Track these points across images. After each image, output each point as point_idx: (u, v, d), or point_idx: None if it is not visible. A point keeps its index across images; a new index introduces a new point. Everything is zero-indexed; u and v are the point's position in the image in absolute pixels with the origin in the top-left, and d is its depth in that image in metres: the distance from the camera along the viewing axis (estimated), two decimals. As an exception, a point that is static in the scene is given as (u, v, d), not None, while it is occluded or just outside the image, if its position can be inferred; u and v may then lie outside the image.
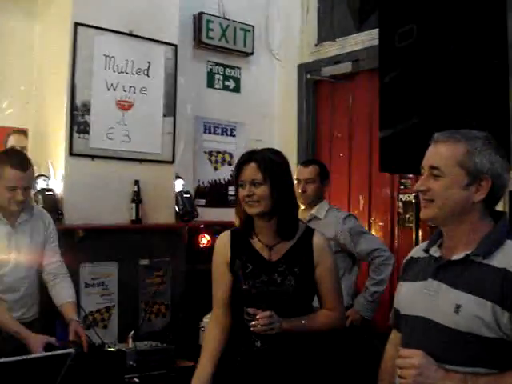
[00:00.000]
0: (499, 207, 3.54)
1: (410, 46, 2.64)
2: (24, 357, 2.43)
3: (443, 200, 1.76)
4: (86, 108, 3.97)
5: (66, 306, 3.14)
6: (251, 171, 2.31)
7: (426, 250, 1.89)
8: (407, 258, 2.03)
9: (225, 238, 2.48)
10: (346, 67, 4.72)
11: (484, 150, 1.75)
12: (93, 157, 4.00)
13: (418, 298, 1.83)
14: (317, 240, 2.37)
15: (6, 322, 2.95)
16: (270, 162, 2.32)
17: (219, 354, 2.40)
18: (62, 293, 3.20)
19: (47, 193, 3.82)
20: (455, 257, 1.77)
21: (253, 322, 2.21)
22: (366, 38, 4.52)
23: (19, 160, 3.00)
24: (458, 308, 1.69)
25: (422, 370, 1.66)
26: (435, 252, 1.85)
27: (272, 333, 2.22)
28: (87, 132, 3.97)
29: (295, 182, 3.64)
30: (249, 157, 2.35)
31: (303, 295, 2.36)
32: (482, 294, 1.66)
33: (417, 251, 1.99)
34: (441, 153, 1.78)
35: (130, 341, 3.19)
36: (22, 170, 2.95)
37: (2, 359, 2.29)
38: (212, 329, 2.47)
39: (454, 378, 1.66)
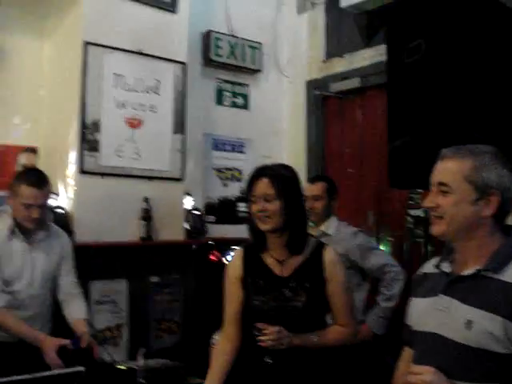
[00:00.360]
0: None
1: (418, 62, 2.64)
2: (35, 375, 2.42)
3: (452, 216, 1.76)
4: (96, 126, 3.99)
5: (78, 322, 3.16)
6: (263, 186, 2.31)
7: (437, 266, 1.89)
8: (419, 273, 2.02)
9: (238, 254, 2.49)
10: (353, 83, 4.73)
11: (491, 165, 1.75)
12: (102, 174, 4.02)
13: (430, 314, 1.82)
14: (328, 255, 2.35)
15: (19, 328, 2.97)
16: (282, 177, 2.33)
17: (227, 371, 2.40)
18: (75, 310, 3.22)
19: (57, 210, 3.83)
20: (466, 272, 1.77)
21: (261, 337, 2.21)
22: (374, 54, 4.53)
23: (36, 178, 3.04)
24: (469, 324, 1.69)
25: (435, 383, 1.65)
26: (446, 268, 1.85)
27: (281, 348, 2.21)
28: (97, 150, 3.99)
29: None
30: (261, 172, 2.35)
31: (314, 310, 2.35)
32: (493, 310, 1.66)
33: (428, 267, 1.99)
34: (448, 169, 1.78)
35: (141, 358, 3.17)
36: (38, 187, 2.99)
37: (12, 377, 2.28)
38: (222, 345, 2.48)
39: None
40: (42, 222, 3.10)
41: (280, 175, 2.33)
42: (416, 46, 2.62)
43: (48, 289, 3.18)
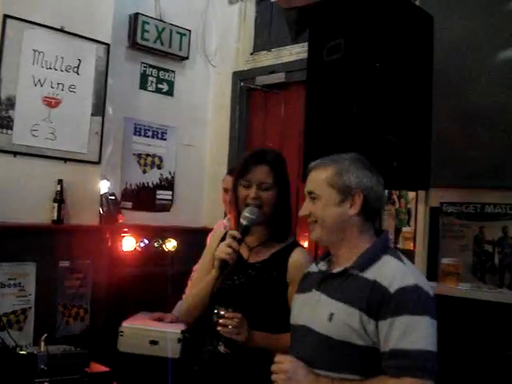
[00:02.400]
0: (421, 222, 3.66)
1: (337, 61, 2.66)
2: None
3: (322, 219, 1.92)
4: (11, 102, 3.85)
5: None
6: (262, 173, 2.20)
7: (316, 265, 2.04)
8: (304, 272, 2.14)
9: (220, 233, 2.43)
10: (279, 77, 4.76)
11: (351, 168, 1.93)
12: (15, 153, 3.88)
13: (303, 308, 1.97)
14: (294, 259, 2.24)
15: None
16: (281, 165, 2.26)
17: None
18: None
19: (-36, 188, 3.68)
20: (335, 270, 1.92)
21: (221, 320, 2.10)
22: (301, 50, 4.57)
23: None
24: (331, 316, 1.82)
25: (291, 374, 1.79)
26: (322, 266, 2.01)
27: (237, 339, 2.11)
28: (10, 127, 3.85)
29: (223, 191, 3.64)
30: (261, 157, 2.23)
31: (266, 303, 2.23)
32: (351, 303, 1.79)
33: (312, 266, 2.11)
34: (314, 178, 1.97)
35: (43, 344, 3.10)
36: None
37: None
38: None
39: (321, 382, 1.78)
40: None
41: (280, 163, 2.26)
42: (336, 45, 2.65)
43: None
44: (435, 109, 2.97)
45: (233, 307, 2.14)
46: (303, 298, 2.00)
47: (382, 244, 1.94)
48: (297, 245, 2.33)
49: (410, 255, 3.81)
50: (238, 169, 2.27)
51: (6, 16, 3.82)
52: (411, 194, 3.76)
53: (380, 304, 1.75)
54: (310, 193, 1.97)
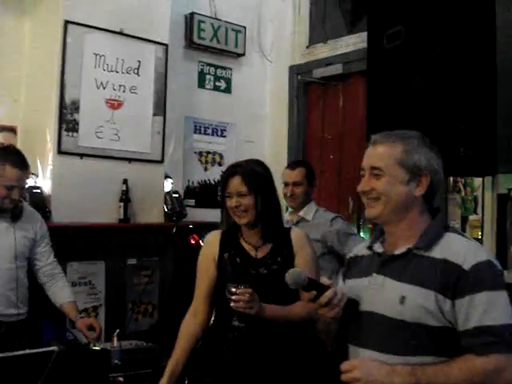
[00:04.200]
0: (488, 210, 3.58)
1: (398, 47, 2.63)
2: (6, 354, 2.41)
3: (388, 195, 1.84)
4: (76, 106, 3.96)
5: (67, 305, 3.18)
6: (236, 184, 2.41)
7: (370, 247, 1.97)
8: (350, 255, 2.11)
9: (214, 235, 2.56)
10: (336, 69, 4.73)
11: (420, 149, 1.85)
12: (81, 155, 3.99)
13: (364, 293, 1.90)
14: (294, 233, 2.50)
15: None
16: (253, 173, 2.44)
17: (190, 351, 2.46)
18: (61, 293, 3.22)
19: (35, 190, 3.80)
20: (398, 251, 1.85)
21: (233, 297, 2.22)
22: (357, 41, 4.52)
23: (20, 159, 3.01)
24: (402, 299, 1.77)
25: (365, 379, 1.71)
26: (378, 248, 1.93)
27: (251, 312, 2.24)
28: (76, 130, 3.96)
29: (282, 185, 3.64)
30: (234, 170, 2.46)
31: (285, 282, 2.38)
32: (425, 285, 1.74)
33: (360, 249, 2.06)
34: (380, 153, 1.87)
35: (115, 340, 3.17)
36: (21, 169, 2.98)
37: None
38: (188, 321, 2.53)
39: (402, 372, 1.70)
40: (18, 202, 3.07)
41: (251, 172, 2.44)
42: (396, 32, 2.62)
43: (20, 268, 3.13)
44: (501, 93, 2.89)
45: (243, 283, 2.25)
46: (361, 284, 1.93)
47: (441, 221, 1.89)
48: (289, 228, 2.58)
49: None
50: (221, 185, 2.53)
51: (66, 22, 3.93)
52: (477, 181, 3.68)
53: (455, 282, 1.71)
54: (373, 168, 1.86)
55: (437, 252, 1.78)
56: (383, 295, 1.83)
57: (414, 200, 1.85)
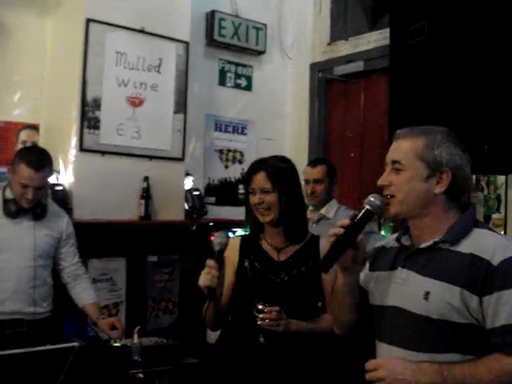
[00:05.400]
0: (511, 209, 3.53)
1: (421, 43, 2.60)
2: (28, 349, 2.42)
3: (404, 193, 1.79)
4: (97, 104, 3.98)
5: (90, 306, 3.21)
6: (261, 180, 2.38)
7: (398, 239, 1.93)
8: (376, 247, 2.05)
9: (234, 241, 2.53)
10: (358, 66, 4.70)
11: (443, 144, 1.79)
12: (103, 153, 4.01)
13: (389, 287, 1.86)
14: (324, 243, 2.38)
15: None
16: (278, 170, 2.39)
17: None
18: (84, 294, 3.25)
19: (57, 187, 3.83)
20: (423, 245, 1.80)
21: (260, 315, 2.22)
22: (379, 37, 4.49)
23: (36, 159, 2.99)
24: (427, 295, 1.72)
25: (390, 377, 1.68)
26: (406, 241, 1.89)
27: (278, 330, 2.23)
28: (97, 128, 3.98)
29: (303, 182, 3.62)
30: (258, 166, 2.42)
31: (308, 295, 2.38)
32: (450, 280, 1.69)
33: (390, 241, 2.01)
34: (401, 147, 1.83)
35: (136, 336, 3.17)
36: (36, 169, 2.96)
37: (6, 351, 2.29)
38: None
39: (428, 371, 1.67)
40: (37, 202, 3.07)
41: (276, 168, 2.39)
42: (419, 27, 2.59)
43: (42, 267, 3.15)
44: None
45: (269, 301, 2.24)
46: (385, 277, 1.89)
47: (472, 217, 1.82)
48: (317, 235, 2.48)
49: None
50: (245, 181, 2.50)
51: (88, 20, 3.95)
52: (500, 179, 3.63)
53: (483, 278, 1.65)
54: (394, 162, 1.83)
55: (464, 246, 1.72)
56: (408, 290, 1.79)
57: (435, 197, 1.79)
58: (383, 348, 1.84)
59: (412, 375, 1.66)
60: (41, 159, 3.03)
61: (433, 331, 1.71)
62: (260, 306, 2.23)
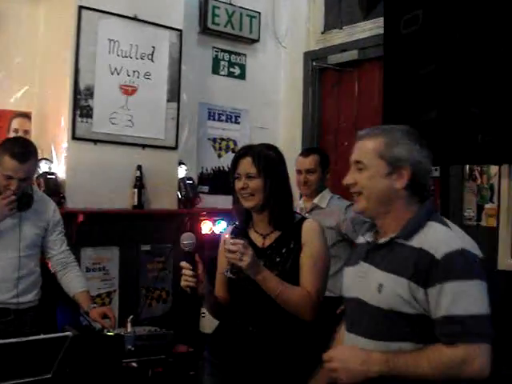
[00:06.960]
0: (504, 198, 3.54)
1: (415, 33, 2.59)
2: (21, 339, 2.43)
3: (369, 190, 1.89)
4: (90, 92, 3.95)
5: (80, 295, 3.15)
6: (246, 165, 2.37)
7: (363, 236, 2.04)
8: (356, 243, 2.16)
9: (227, 230, 2.56)
10: (352, 55, 4.69)
11: (402, 141, 1.87)
12: (95, 141, 3.99)
13: (354, 280, 1.98)
14: (307, 225, 2.39)
15: None
16: (264, 156, 2.39)
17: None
18: (74, 283, 3.19)
19: (49, 176, 3.81)
20: (381, 240, 1.91)
21: (226, 246, 2.18)
22: (373, 26, 4.48)
23: (20, 150, 2.93)
24: (380, 287, 1.82)
25: (341, 367, 1.79)
26: (368, 237, 1.99)
27: (242, 265, 2.17)
28: (90, 116, 3.95)
29: (296, 172, 3.62)
30: (245, 151, 2.42)
31: (289, 274, 2.32)
32: (400, 273, 1.79)
33: (359, 238, 2.12)
34: (363, 148, 1.93)
35: (129, 325, 3.18)
36: (19, 161, 2.90)
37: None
38: None
39: (377, 361, 1.75)
40: (23, 193, 3.02)
41: (262, 154, 2.39)
42: (413, 17, 2.58)
43: (28, 257, 3.10)
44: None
45: (254, 287, 2.23)
46: (353, 271, 2.00)
47: (426, 210, 1.90)
48: (304, 218, 2.48)
49: (493, 232, 3.71)
50: (231, 166, 2.47)
51: (81, 7, 3.91)
52: (494, 169, 3.64)
53: (427, 271, 1.74)
54: (357, 162, 1.92)
55: (416, 241, 1.81)
56: (366, 283, 1.89)
57: (397, 192, 1.87)
58: (349, 337, 1.94)
59: (362, 365, 1.76)
60: (25, 151, 2.97)
61: (385, 321, 1.80)
62: (227, 236, 2.25)
